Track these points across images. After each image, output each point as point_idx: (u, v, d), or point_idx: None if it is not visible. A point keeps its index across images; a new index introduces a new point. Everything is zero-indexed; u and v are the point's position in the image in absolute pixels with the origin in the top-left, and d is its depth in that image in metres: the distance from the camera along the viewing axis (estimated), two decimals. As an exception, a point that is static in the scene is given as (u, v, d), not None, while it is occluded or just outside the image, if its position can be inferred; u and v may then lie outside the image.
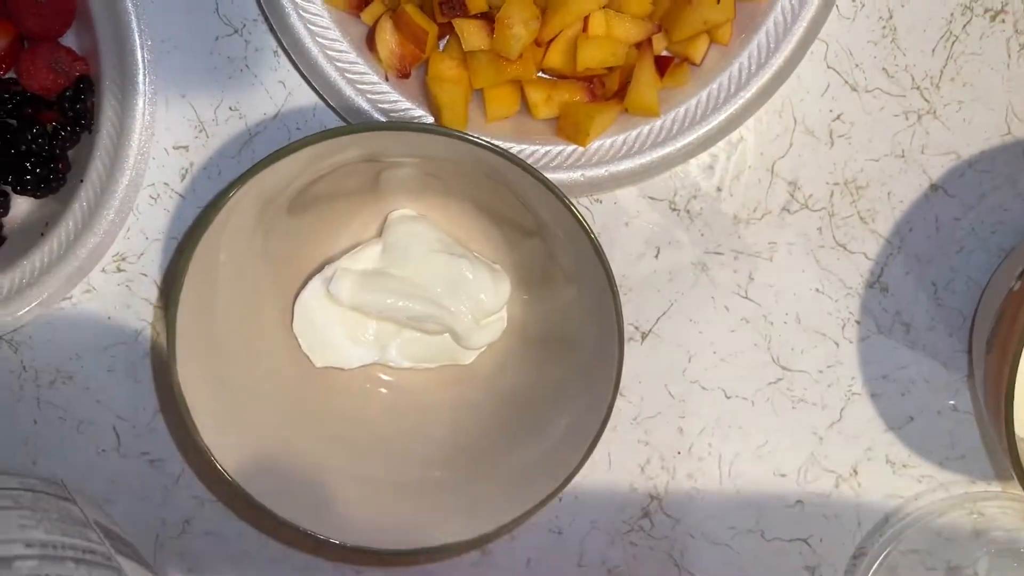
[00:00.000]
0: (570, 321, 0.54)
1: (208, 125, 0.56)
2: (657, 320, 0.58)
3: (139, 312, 0.57)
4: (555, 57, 0.52)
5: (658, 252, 0.58)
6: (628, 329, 0.58)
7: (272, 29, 0.54)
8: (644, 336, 0.59)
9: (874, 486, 0.60)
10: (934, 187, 0.58)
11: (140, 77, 0.53)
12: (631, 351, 0.58)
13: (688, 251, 0.58)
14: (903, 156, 0.57)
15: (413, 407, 0.57)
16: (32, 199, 0.56)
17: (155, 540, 0.59)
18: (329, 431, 0.55)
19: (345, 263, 0.55)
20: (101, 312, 0.57)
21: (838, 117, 0.57)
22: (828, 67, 0.57)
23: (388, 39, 0.52)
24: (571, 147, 0.54)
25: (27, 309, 0.54)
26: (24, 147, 0.53)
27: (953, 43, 0.57)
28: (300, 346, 0.55)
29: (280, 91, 0.56)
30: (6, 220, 0.56)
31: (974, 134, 0.57)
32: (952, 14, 0.56)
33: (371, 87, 0.53)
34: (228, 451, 0.50)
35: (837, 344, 0.59)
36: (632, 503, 0.60)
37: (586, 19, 0.51)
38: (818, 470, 0.60)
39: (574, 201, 0.48)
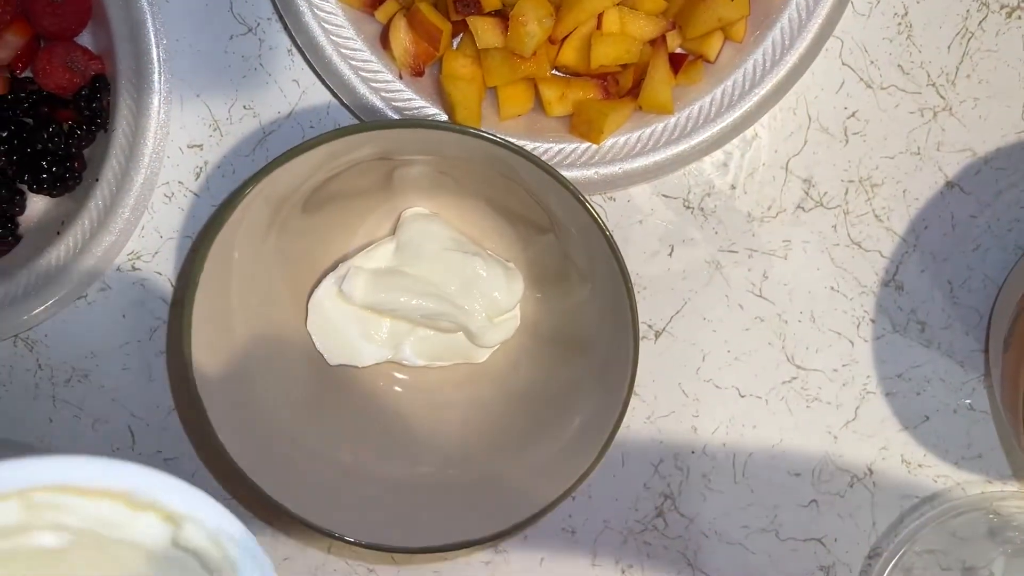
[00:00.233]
0: (584, 319, 0.53)
1: (222, 124, 0.56)
2: (671, 318, 0.58)
3: (154, 310, 0.58)
4: (569, 54, 0.52)
5: (672, 250, 0.58)
6: (642, 327, 0.58)
7: (286, 28, 0.54)
8: (658, 335, 0.58)
9: (889, 486, 0.60)
10: (950, 184, 0.57)
11: (155, 76, 0.53)
12: (645, 349, 0.58)
13: (702, 249, 0.58)
14: (918, 153, 0.57)
15: (427, 405, 0.57)
16: (48, 198, 0.56)
17: (169, 538, 0.60)
18: (343, 429, 0.55)
19: (359, 261, 0.55)
20: (116, 310, 0.58)
21: (853, 114, 0.57)
22: (843, 64, 0.56)
23: (402, 37, 0.52)
24: (585, 145, 0.53)
25: (43, 307, 0.55)
26: (40, 146, 0.53)
27: (969, 40, 0.56)
28: (314, 344, 0.56)
29: (294, 90, 0.56)
30: (22, 219, 0.56)
31: (990, 131, 0.57)
32: (968, 11, 0.56)
33: (385, 85, 0.53)
34: (243, 449, 0.50)
35: (852, 343, 0.58)
36: (646, 502, 0.60)
37: (600, 16, 0.51)
38: (833, 469, 0.59)
39: (588, 199, 0.48)
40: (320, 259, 0.56)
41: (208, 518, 0.35)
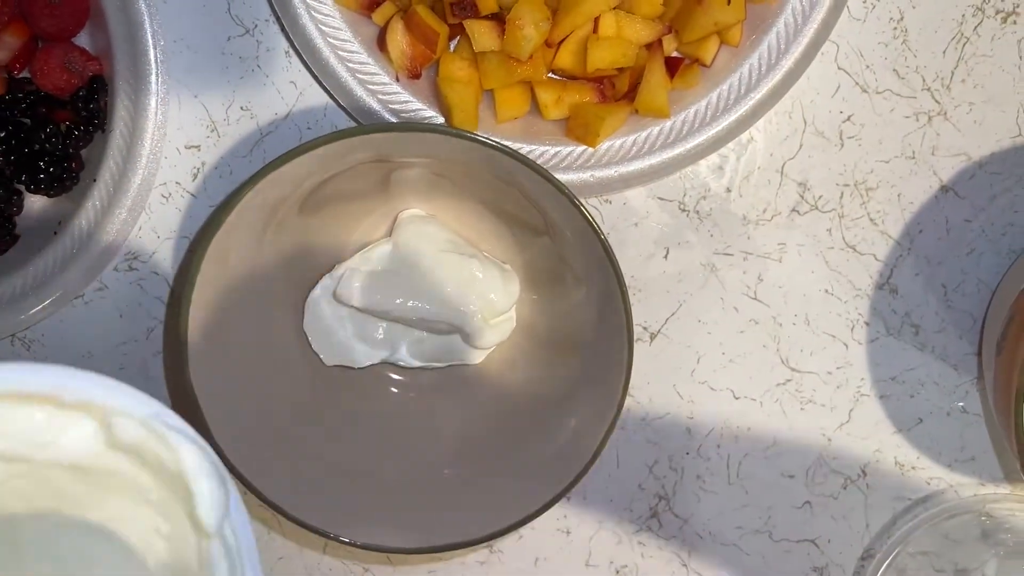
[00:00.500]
0: (579, 321, 0.54)
1: (220, 125, 0.57)
2: (666, 321, 0.59)
3: (151, 311, 0.58)
4: (565, 58, 0.52)
5: (667, 253, 0.58)
6: (637, 329, 0.58)
7: (283, 29, 0.54)
8: (653, 337, 0.59)
9: (882, 487, 0.60)
10: (944, 189, 0.58)
11: (153, 77, 0.53)
12: (640, 351, 0.58)
13: (697, 252, 0.58)
14: (913, 158, 0.57)
15: (422, 406, 0.57)
16: (45, 198, 0.56)
17: (166, 537, 0.60)
18: (339, 429, 0.56)
19: (355, 263, 0.55)
20: (113, 310, 0.58)
21: (848, 118, 0.57)
22: (838, 68, 0.57)
23: (399, 40, 0.52)
24: (581, 148, 0.54)
25: (40, 307, 0.55)
26: (38, 146, 0.54)
27: (964, 44, 0.57)
28: (310, 345, 0.56)
29: (291, 91, 0.56)
30: (20, 219, 0.56)
31: (985, 136, 0.57)
32: (963, 16, 0.56)
33: (382, 88, 0.53)
34: (238, 448, 0.50)
35: (846, 345, 0.59)
36: (640, 503, 0.60)
37: (597, 20, 0.51)
38: (827, 471, 0.60)
39: (584, 202, 0.48)
40: (317, 260, 0.56)
41: (139, 407, 0.33)
